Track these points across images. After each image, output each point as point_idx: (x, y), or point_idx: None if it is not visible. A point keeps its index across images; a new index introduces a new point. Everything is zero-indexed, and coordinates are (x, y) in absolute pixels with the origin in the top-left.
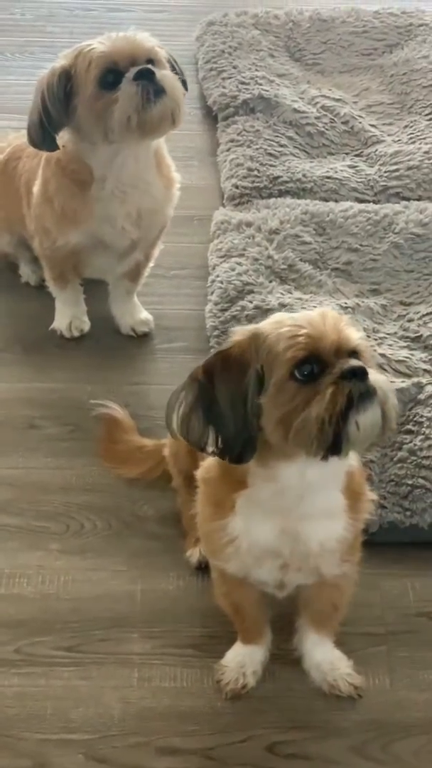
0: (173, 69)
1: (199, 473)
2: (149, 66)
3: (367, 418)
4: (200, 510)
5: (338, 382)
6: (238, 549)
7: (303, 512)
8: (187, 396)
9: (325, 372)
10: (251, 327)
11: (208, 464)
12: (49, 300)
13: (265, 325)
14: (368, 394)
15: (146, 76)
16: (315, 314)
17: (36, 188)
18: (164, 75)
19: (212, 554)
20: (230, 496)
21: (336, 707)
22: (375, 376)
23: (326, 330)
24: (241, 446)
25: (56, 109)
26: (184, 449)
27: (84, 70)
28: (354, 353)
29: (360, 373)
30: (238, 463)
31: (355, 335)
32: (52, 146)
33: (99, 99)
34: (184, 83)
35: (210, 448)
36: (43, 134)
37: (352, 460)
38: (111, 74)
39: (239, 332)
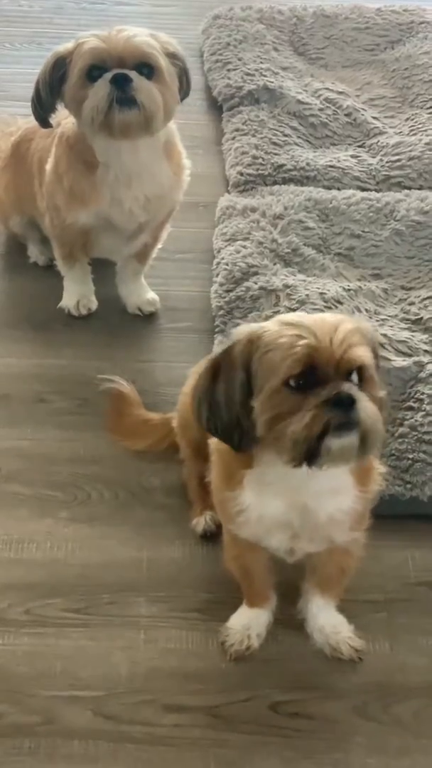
0: (184, 71)
1: (212, 441)
2: (127, 72)
3: (339, 445)
4: (214, 479)
5: (321, 406)
6: (248, 519)
7: (312, 490)
8: (200, 387)
9: (319, 385)
10: (254, 327)
11: None
12: (57, 280)
13: (269, 326)
14: (348, 424)
15: (119, 82)
16: (325, 324)
17: (48, 166)
18: (142, 86)
19: (226, 520)
20: (239, 471)
21: (338, 669)
22: (363, 406)
23: (330, 345)
24: (238, 438)
25: (46, 92)
26: (192, 421)
27: (76, 59)
28: (361, 369)
29: (346, 404)
30: (240, 452)
31: (359, 355)
32: (45, 124)
33: (79, 90)
34: (187, 79)
35: (216, 435)
36: (36, 112)
37: None
38: (97, 70)
39: (241, 331)
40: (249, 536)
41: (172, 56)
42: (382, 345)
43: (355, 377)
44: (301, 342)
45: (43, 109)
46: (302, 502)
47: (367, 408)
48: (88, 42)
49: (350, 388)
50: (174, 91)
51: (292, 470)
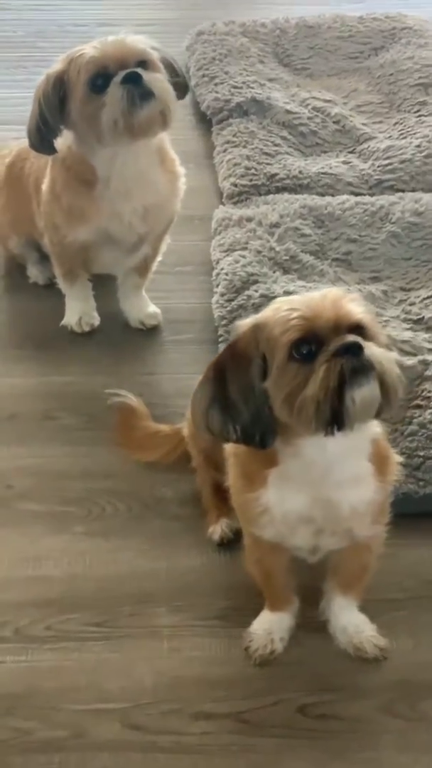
0: (173, 70)
1: (228, 447)
2: (137, 69)
3: (362, 393)
4: (232, 482)
5: (331, 359)
6: (272, 518)
7: (332, 481)
8: (204, 394)
9: (323, 349)
10: (252, 319)
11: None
12: (58, 298)
13: (266, 312)
14: (363, 368)
15: (133, 80)
16: (316, 294)
17: (44, 186)
18: (153, 78)
19: (247, 523)
20: (262, 471)
21: (362, 669)
22: (372, 350)
23: (323, 308)
24: (260, 432)
25: (52, 115)
26: None
27: (75, 74)
28: (358, 329)
29: (353, 349)
30: (263, 448)
31: (356, 311)
32: (50, 150)
33: (89, 102)
34: (185, 85)
35: (233, 438)
36: (41, 139)
37: (376, 427)
38: (100, 78)
39: (242, 325)
40: (272, 536)
41: (154, 49)
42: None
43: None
44: (296, 312)
45: (49, 134)
46: (325, 495)
47: (376, 351)
48: (83, 54)
49: (355, 337)
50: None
51: (314, 461)
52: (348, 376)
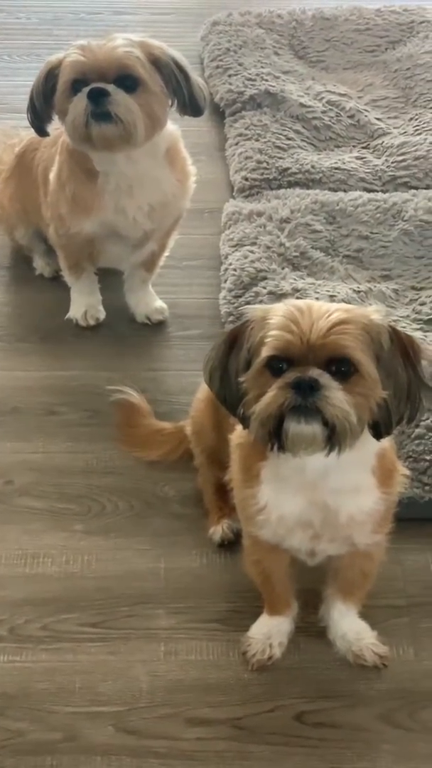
0: (173, 76)
1: (233, 437)
2: (104, 86)
3: (296, 430)
4: (234, 476)
5: (283, 386)
6: (268, 518)
7: (329, 488)
8: (215, 354)
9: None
10: (263, 309)
11: (242, 430)
12: (64, 291)
13: (271, 311)
14: (303, 409)
15: (95, 97)
16: (318, 311)
17: (52, 175)
18: (118, 100)
19: (246, 521)
20: (256, 464)
21: (362, 677)
22: (329, 394)
23: (308, 331)
24: (242, 413)
25: (40, 102)
26: (209, 426)
27: (62, 71)
28: (341, 362)
29: (304, 386)
30: (246, 427)
31: (342, 343)
32: (41, 133)
33: (64, 102)
34: (194, 100)
35: (224, 404)
36: (31, 121)
37: (384, 441)
38: (79, 83)
39: (253, 311)
40: (270, 537)
41: (156, 62)
42: None
43: (344, 369)
44: (283, 327)
45: (38, 119)
46: (322, 500)
47: (333, 398)
48: (70, 56)
49: (319, 374)
50: (162, 100)
51: (306, 464)
52: (286, 410)
